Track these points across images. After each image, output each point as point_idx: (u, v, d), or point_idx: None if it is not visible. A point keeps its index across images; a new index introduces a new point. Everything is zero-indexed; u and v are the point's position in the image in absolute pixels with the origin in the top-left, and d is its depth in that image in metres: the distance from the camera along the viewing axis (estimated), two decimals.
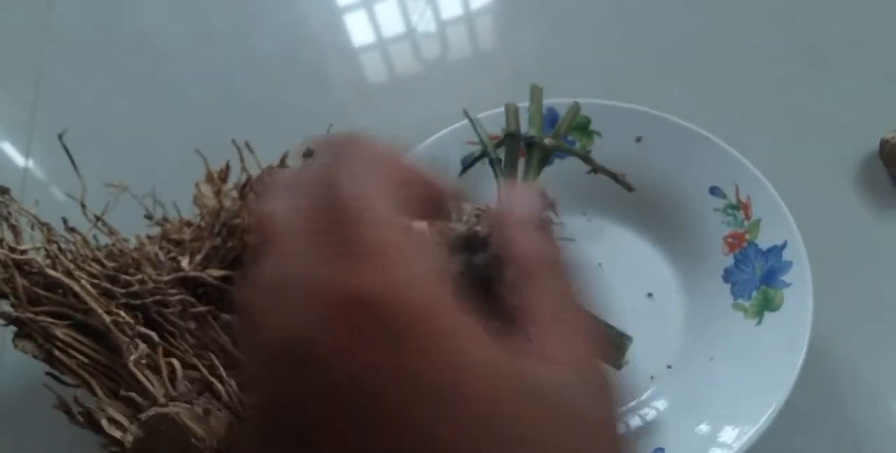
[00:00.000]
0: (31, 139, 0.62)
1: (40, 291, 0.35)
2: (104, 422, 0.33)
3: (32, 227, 0.38)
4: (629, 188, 0.44)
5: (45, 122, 0.63)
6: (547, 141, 0.40)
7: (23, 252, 0.36)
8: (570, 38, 0.62)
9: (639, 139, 0.46)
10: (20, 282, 0.35)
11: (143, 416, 0.32)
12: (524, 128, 0.43)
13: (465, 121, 0.45)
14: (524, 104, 0.44)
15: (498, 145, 0.43)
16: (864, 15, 0.57)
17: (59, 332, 0.35)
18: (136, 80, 0.65)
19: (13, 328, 0.36)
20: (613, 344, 0.38)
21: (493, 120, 0.45)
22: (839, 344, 0.42)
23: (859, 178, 0.49)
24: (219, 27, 0.68)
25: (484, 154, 0.47)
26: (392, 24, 0.66)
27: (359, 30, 0.67)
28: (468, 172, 0.48)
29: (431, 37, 0.65)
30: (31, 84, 0.65)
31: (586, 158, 0.43)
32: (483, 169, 0.49)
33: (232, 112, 0.62)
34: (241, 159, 0.43)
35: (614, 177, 0.43)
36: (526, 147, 0.41)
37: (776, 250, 0.41)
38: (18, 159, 0.61)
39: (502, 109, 0.44)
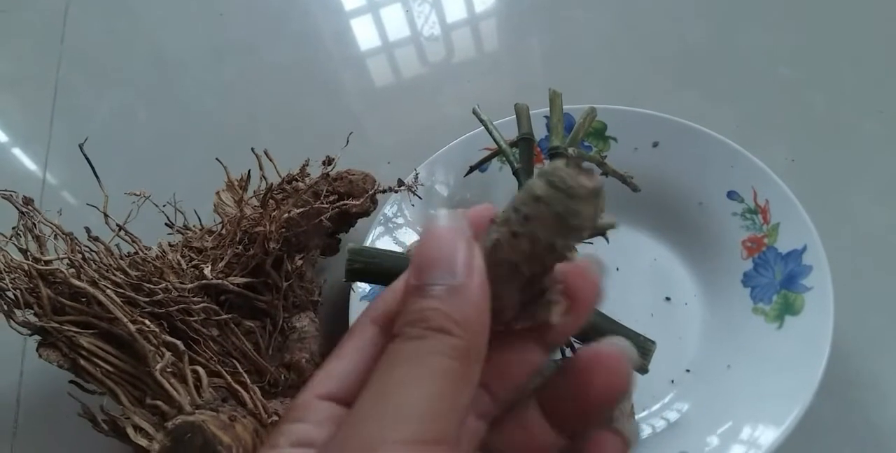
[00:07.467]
0: (48, 150, 0.62)
1: (65, 301, 0.35)
2: (130, 431, 0.33)
3: (56, 237, 0.39)
4: (634, 189, 0.44)
5: (62, 134, 0.63)
6: (571, 151, 0.40)
7: (47, 262, 0.36)
8: (577, 41, 0.62)
9: (655, 144, 0.46)
10: (45, 291, 0.35)
11: (169, 424, 0.32)
12: (534, 128, 0.43)
13: (480, 129, 0.45)
14: (536, 111, 0.44)
15: (512, 146, 0.44)
16: (879, 20, 0.57)
17: (84, 341, 0.35)
18: (152, 92, 0.66)
19: (35, 337, 0.36)
20: (639, 350, 0.38)
21: (504, 126, 0.45)
22: (861, 348, 0.42)
23: (877, 180, 0.49)
24: (233, 39, 0.69)
25: (495, 154, 0.47)
26: (398, 29, 0.67)
27: (366, 35, 0.67)
28: (481, 177, 0.48)
29: (436, 40, 0.65)
30: (49, 97, 0.65)
31: (599, 162, 0.43)
32: (494, 174, 0.49)
33: (248, 121, 0.62)
34: (261, 167, 0.43)
35: (622, 178, 0.43)
36: (550, 158, 0.41)
37: (796, 254, 0.41)
38: (37, 170, 0.61)
39: (513, 117, 0.44)
